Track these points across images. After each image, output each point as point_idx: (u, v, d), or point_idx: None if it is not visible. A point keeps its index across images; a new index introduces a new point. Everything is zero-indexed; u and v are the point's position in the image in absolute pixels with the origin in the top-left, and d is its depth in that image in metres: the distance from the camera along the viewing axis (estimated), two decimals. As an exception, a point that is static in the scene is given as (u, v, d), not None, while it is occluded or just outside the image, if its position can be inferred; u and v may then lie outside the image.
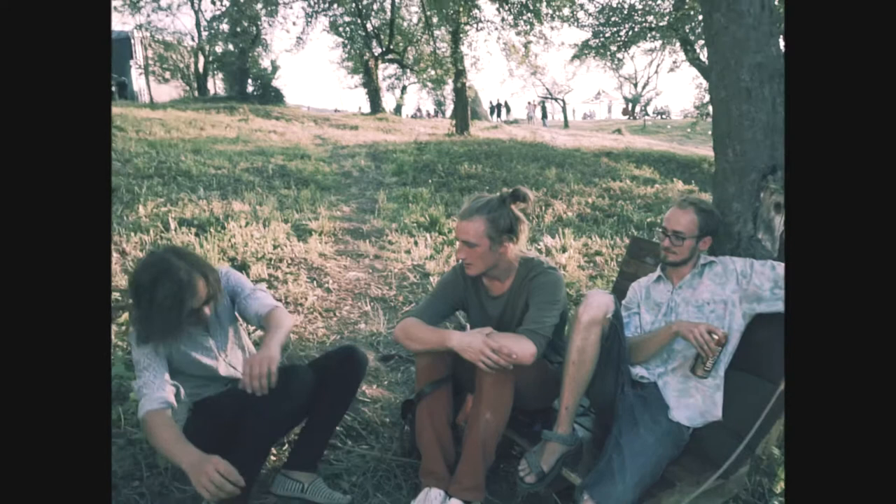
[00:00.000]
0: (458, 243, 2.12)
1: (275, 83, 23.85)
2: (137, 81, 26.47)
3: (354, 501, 2.11)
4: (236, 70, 22.90)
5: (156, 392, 1.80)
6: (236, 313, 2.14)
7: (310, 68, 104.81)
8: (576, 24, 13.51)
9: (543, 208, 7.19)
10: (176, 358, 1.95)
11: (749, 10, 2.28)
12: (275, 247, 4.94)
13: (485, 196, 2.15)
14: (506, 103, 35.69)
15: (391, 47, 20.25)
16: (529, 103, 35.03)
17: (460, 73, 15.88)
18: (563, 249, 5.60)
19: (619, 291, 2.56)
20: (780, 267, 2.12)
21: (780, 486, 2.17)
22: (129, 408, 2.49)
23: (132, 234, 4.82)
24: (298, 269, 4.56)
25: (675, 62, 14.25)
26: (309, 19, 19.63)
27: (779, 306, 2.07)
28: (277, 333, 1.94)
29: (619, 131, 25.37)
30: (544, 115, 34.35)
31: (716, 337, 1.92)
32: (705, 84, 14.43)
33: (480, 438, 1.97)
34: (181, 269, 1.78)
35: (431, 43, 17.21)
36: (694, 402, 2.11)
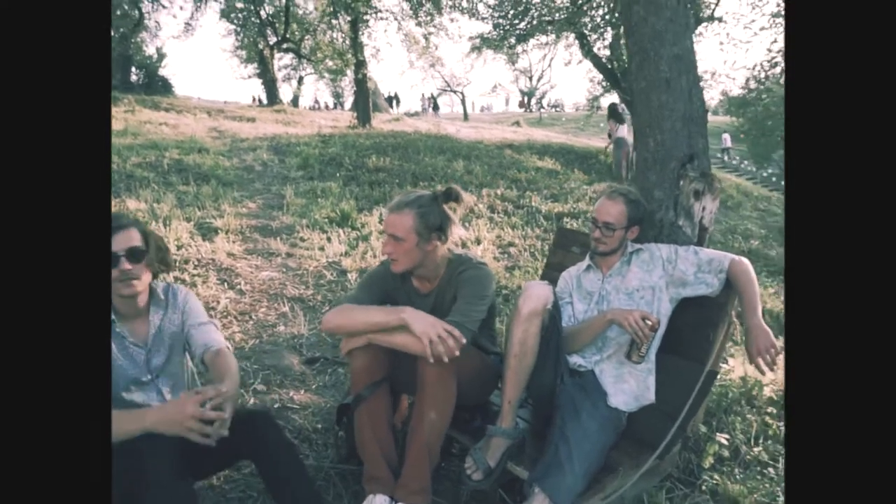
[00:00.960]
0: (385, 236, 2.06)
1: (162, 72, 22.50)
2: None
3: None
4: (118, 57, 21.20)
5: None
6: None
7: (199, 56, 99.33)
8: (475, 16, 13.59)
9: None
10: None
11: (667, 3, 2.35)
12: (178, 247, 4.61)
13: (416, 191, 2.11)
14: (395, 95, 35.62)
15: (287, 36, 19.52)
16: (423, 96, 35.64)
17: (361, 64, 15.56)
18: (478, 241, 5.64)
19: (549, 282, 2.58)
20: (703, 252, 2.21)
21: (707, 462, 2.28)
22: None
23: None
24: (207, 270, 4.27)
25: (568, 57, 14.66)
26: (198, 4, 18.61)
27: (702, 290, 2.17)
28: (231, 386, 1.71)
29: (517, 123, 26.02)
30: (436, 108, 34.96)
31: (649, 323, 1.98)
32: (599, 77, 14.98)
33: (426, 440, 1.91)
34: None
35: (329, 32, 16.74)
36: (629, 387, 2.16)
